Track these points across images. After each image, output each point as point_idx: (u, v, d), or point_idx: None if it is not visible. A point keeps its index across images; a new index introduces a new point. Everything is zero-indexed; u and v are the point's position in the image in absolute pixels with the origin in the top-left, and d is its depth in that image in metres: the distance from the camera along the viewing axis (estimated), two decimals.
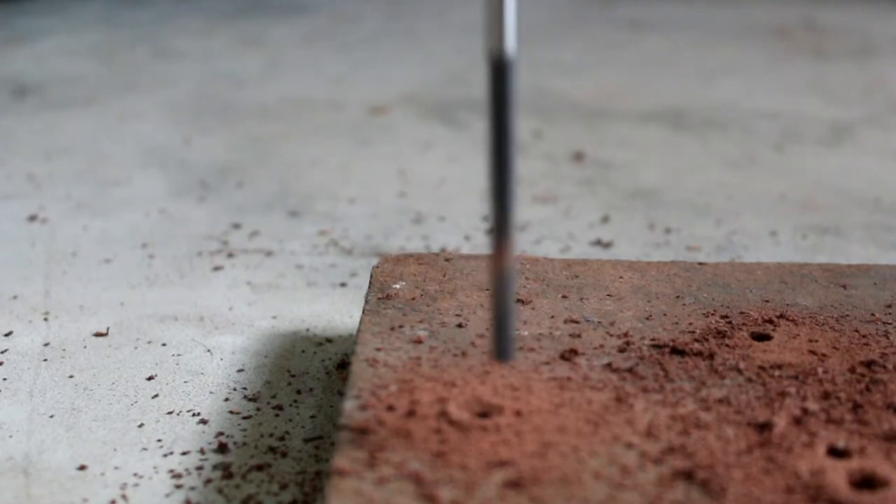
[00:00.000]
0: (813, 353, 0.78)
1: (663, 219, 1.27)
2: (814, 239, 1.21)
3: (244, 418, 0.82)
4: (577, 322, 0.82)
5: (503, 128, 0.60)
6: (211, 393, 0.86)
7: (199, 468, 0.75)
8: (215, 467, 0.75)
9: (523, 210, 1.29)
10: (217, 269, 1.12)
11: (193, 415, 0.82)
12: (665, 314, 0.84)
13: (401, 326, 0.82)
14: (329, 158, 1.49)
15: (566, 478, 0.63)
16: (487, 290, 0.88)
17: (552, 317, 0.83)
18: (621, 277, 0.91)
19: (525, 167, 1.45)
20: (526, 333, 0.81)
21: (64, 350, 0.93)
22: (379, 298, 0.86)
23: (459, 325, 0.82)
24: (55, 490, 0.73)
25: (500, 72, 0.58)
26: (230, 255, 1.15)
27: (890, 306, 0.85)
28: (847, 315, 0.84)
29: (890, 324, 0.82)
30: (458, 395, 0.71)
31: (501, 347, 0.67)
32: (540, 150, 1.53)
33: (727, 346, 0.79)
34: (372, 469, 0.64)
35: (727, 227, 1.24)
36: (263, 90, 1.87)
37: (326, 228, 1.23)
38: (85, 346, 0.94)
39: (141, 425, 0.81)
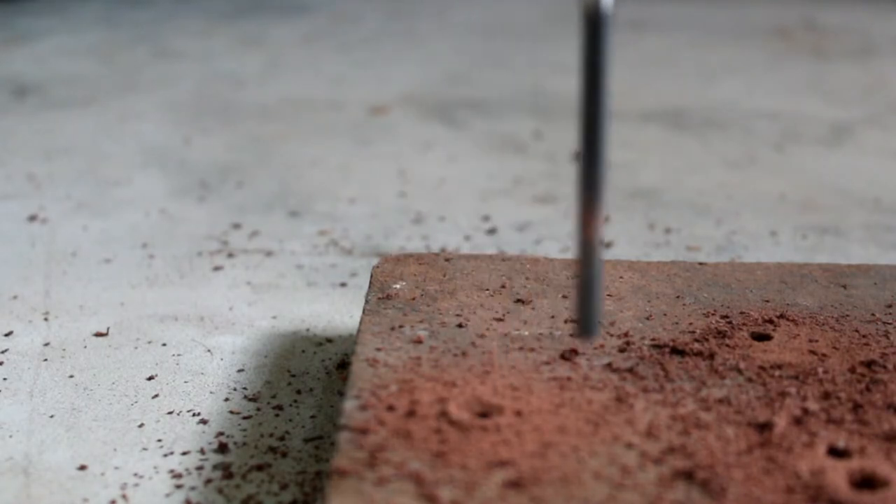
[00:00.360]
0: (813, 353, 0.78)
1: (663, 219, 1.27)
2: (814, 239, 1.21)
3: (244, 418, 0.82)
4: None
5: (596, 90, 0.55)
6: (211, 393, 0.86)
7: (200, 468, 0.75)
8: (215, 467, 0.75)
9: (523, 210, 1.29)
10: (217, 269, 1.12)
11: (193, 415, 0.82)
12: (665, 314, 0.84)
13: (401, 326, 0.82)
14: (329, 158, 1.49)
15: (566, 478, 0.63)
16: (487, 289, 0.88)
17: (552, 317, 0.83)
18: (621, 277, 0.91)
19: (525, 167, 1.45)
20: (526, 333, 0.81)
21: (64, 350, 0.93)
22: (379, 298, 0.86)
23: (459, 325, 0.82)
24: (55, 490, 0.73)
25: (594, 27, 0.53)
26: (230, 255, 1.15)
27: (890, 306, 0.85)
28: (847, 315, 0.84)
29: (890, 324, 0.82)
30: (457, 396, 0.71)
31: (586, 324, 0.61)
32: (540, 150, 1.53)
33: (727, 345, 0.79)
34: (372, 469, 0.64)
35: (727, 227, 1.24)
36: (263, 90, 1.87)
37: (326, 228, 1.23)
38: (85, 346, 0.94)
39: (141, 425, 0.81)
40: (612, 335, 0.81)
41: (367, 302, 0.86)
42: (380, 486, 0.62)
